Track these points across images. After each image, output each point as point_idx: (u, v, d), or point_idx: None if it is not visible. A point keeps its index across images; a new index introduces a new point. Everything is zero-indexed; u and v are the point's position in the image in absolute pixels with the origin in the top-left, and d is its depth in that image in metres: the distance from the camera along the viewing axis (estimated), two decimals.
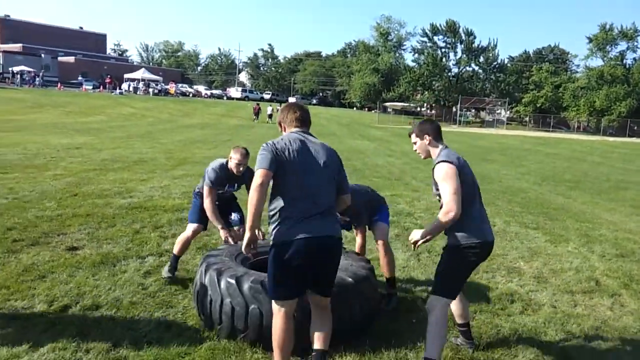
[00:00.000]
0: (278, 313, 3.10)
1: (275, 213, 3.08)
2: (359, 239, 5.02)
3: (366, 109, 77.17)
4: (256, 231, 3.03)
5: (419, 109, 72.81)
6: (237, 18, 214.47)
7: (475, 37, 66.72)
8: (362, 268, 4.13)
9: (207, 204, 4.67)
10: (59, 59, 71.63)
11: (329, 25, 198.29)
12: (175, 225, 6.85)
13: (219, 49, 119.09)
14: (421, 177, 13.25)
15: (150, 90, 58.25)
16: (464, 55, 67.55)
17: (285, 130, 3.31)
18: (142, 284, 4.74)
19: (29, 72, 53.21)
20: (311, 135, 3.28)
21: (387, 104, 68.15)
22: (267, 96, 73.07)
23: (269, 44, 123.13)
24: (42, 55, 68.59)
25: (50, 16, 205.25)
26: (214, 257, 4.14)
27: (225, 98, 68.04)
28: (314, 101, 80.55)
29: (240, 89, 74.05)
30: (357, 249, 5.01)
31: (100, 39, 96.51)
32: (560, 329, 4.29)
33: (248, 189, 4.65)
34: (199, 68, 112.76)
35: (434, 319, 3.35)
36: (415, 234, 3.41)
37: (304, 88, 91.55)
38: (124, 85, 58.39)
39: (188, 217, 5.13)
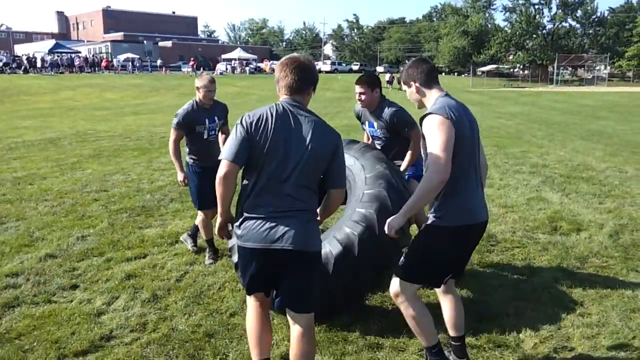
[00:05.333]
0: (248, 305, 2.84)
1: (237, 204, 2.69)
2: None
3: (455, 73, 76.13)
4: (229, 214, 2.73)
5: (512, 70, 70.94)
6: None
7: None
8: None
9: (170, 145, 4.79)
10: (159, 44, 76.19)
11: None
12: None
13: (304, 23, 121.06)
14: (540, 135, 14.11)
15: (247, 69, 60.88)
16: (560, 11, 64.82)
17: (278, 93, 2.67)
18: None
19: (139, 58, 57.35)
20: (303, 109, 2.61)
21: (483, 68, 66.44)
22: (355, 67, 73.93)
23: (354, 14, 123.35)
24: (144, 41, 73.42)
25: (142, 2, 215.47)
26: None
27: None
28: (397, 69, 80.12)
29: (329, 62, 75.26)
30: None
31: (192, 21, 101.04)
32: None
33: (225, 125, 4.94)
34: (283, 44, 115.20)
35: (408, 311, 2.90)
36: (394, 222, 2.69)
37: (390, 56, 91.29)
38: (220, 66, 61.25)
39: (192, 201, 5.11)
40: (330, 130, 2.63)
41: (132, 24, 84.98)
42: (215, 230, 2.79)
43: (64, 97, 31.06)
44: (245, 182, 2.63)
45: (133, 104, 28.21)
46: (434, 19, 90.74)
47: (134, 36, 78.44)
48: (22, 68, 45.28)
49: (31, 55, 49.76)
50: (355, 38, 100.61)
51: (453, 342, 3.09)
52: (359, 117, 4.56)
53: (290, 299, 2.66)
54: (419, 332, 2.95)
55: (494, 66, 69.16)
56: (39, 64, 47.41)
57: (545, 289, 4.26)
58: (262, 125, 2.51)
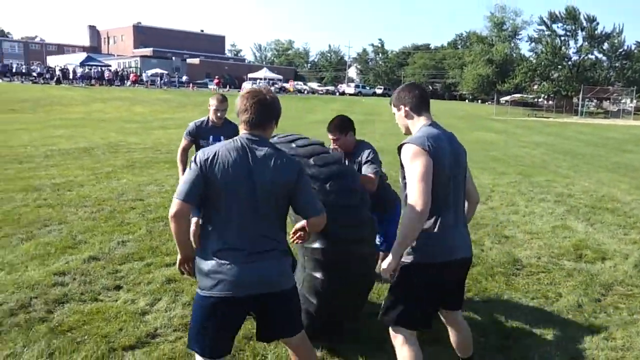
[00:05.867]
0: None
1: (200, 246, 2.53)
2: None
3: (478, 100, 76.21)
4: (188, 251, 2.58)
5: (536, 100, 70.78)
6: (345, 15, 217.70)
7: (598, 23, 63.74)
8: None
9: (178, 151, 5.09)
10: (187, 60, 77.74)
11: (438, 18, 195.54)
12: None
13: (329, 46, 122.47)
14: (566, 166, 14.15)
15: (272, 88, 61.73)
16: (586, 43, 64.68)
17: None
18: None
19: (167, 74, 58.59)
20: (262, 142, 2.52)
21: (507, 97, 66.22)
22: (379, 91, 74.48)
23: (380, 39, 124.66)
24: (173, 58, 75.00)
25: (171, 19, 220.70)
26: None
27: (337, 94, 70.15)
28: None
29: (353, 84, 75.99)
30: None
31: (220, 40, 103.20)
32: None
33: None
34: (308, 65, 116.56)
35: (399, 354, 2.78)
36: (388, 266, 2.62)
37: (414, 81, 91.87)
38: (246, 84, 62.17)
39: None
40: (290, 160, 2.54)
41: (161, 40, 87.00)
42: (176, 266, 2.70)
43: (94, 109, 31.84)
44: (207, 225, 2.50)
45: (161, 118, 28.83)
46: (459, 47, 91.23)
47: (163, 52, 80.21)
48: (55, 79, 46.53)
49: (63, 67, 51.16)
50: (380, 62, 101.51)
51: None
52: None
53: (277, 332, 2.65)
54: None
55: (518, 95, 69.09)
56: (71, 76, 48.70)
57: (570, 312, 4.38)
58: (218, 162, 2.41)
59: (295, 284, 2.62)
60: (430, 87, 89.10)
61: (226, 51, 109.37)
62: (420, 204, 2.44)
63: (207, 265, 2.43)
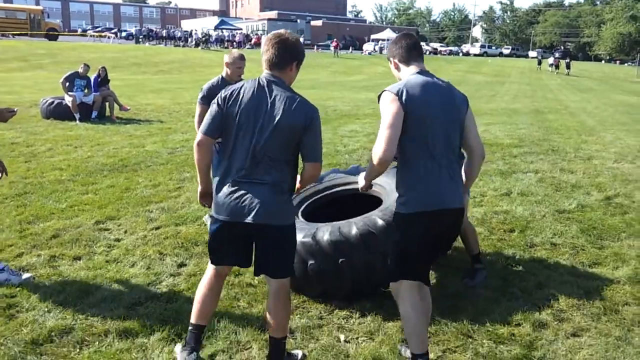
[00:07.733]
0: (207, 271, 2.88)
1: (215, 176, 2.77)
2: None
3: (616, 62, 70.54)
4: (208, 183, 2.83)
5: None
6: None
7: None
8: None
9: (196, 121, 4.61)
10: (311, 23, 79.42)
11: None
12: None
13: (453, 4, 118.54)
14: None
15: None
16: None
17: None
18: None
19: None
20: (280, 84, 2.62)
21: None
22: (506, 51, 71.47)
23: None
24: (298, 20, 76.95)
25: None
26: None
27: (460, 54, 68.33)
28: (557, 55, 75.85)
29: (478, 44, 73.49)
30: None
31: (341, 1, 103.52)
32: None
33: None
34: (429, 25, 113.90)
35: (400, 309, 2.74)
36: (360, 179, 2.85)
37: (544, 40, 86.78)
38: (367, 46, 62.50)
39: None
40: (304, 105, 2.59)
41: (285, 3, 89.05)
42: (198, 198, 2.94)
43: None
44: (221, 156, 2.71)
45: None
46: (597, 3, 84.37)
47: (287, 15, 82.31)
48: (194, 43, 49.99)
49: (205, 32, 54.43)
50: (507, 20, 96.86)
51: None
52: None
53: (264, 267, 2.76)
54: (407, 334, 2.77)
55: None
56: (212, 40, 51.94)
57: None
58: (234, 98, 2.59)
59: (290, 225, 2.71)
60: (562, 47, 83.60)
61: (347, 13, 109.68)
62: (382, 151, 2.44)
63: (216, 186, 2.71)
